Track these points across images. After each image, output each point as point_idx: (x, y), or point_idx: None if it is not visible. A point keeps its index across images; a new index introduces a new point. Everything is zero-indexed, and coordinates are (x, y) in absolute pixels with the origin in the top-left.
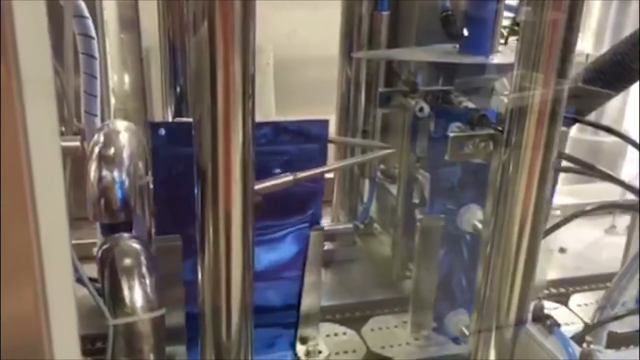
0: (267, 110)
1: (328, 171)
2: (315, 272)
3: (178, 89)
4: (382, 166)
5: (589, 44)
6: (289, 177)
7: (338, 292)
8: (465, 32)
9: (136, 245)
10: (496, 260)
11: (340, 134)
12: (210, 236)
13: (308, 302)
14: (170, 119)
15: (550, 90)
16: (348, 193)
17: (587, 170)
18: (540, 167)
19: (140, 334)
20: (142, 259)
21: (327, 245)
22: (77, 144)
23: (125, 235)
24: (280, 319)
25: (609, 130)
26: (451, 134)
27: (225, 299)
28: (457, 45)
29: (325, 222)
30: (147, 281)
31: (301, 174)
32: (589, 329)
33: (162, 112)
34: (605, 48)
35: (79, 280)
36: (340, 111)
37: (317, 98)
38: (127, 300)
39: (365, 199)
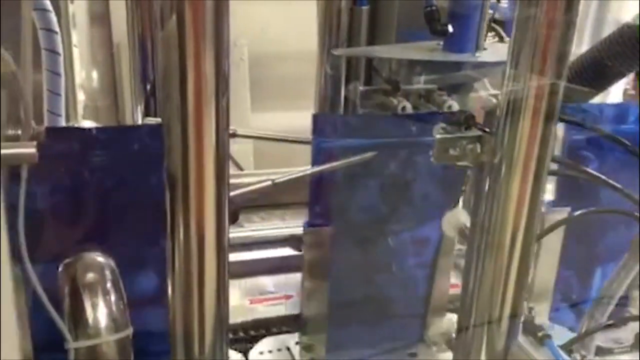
0: (243, 107)
1: (309, 174)
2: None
3: (148, 87)
4: None
5: None
6: (267, 183)
7: None
8: (450, 29)
9: (100, 259)
10: (487, 267)
11: None
12: (181, 248)
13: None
14: (139, 118)
15: (545, 89)
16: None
17: (581, 175)
18: (534, 169)
19: (104, 357)
20: (107, 273)
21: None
22: (33, 150)
23: (89, 247)
24: (409, 310)
25: (599, 132)
26: (437, 136)
27: (198, 317)
28: (441, 43)
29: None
30: (113, 298)
31: (280, 179)
32: (578, 338)
33: (132, 110)
34: (585, 45)
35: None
36: (320, 109)
37: (294, 93)
38: (90, 319)
39: None
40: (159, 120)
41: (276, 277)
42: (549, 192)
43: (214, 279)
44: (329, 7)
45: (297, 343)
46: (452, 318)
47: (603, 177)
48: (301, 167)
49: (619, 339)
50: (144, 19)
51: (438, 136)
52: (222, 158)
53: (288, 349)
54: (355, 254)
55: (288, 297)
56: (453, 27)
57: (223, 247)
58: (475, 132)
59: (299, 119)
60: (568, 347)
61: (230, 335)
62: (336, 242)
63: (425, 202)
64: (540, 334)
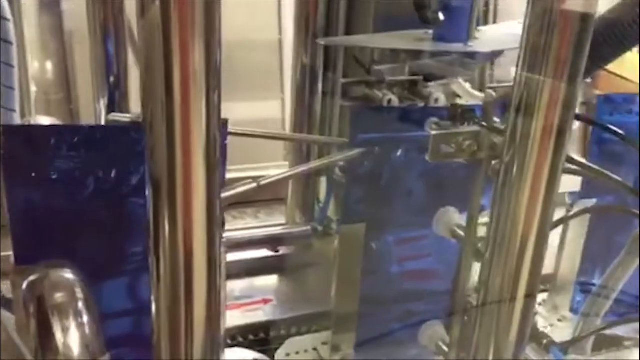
0: None
1: (293, 175)
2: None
3: (111, 79)
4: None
5: None
6: (252, 185)
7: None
8: (442, 17)
9: (69, 275)
10: (495, 272)
11: (297, 127)
12: (168, 262)
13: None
14: (103, 113)
15: (562, 84)
16: (303, 192)
17: (583, 170)
18: (549, 168)
19: None
20: (78, 292)
21: (283, 250)
22: None
23: (57, 262)
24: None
25: (603, 127)
26: (433, 132)
27: (186, 345)
28: (429, 31)
29: (280, 223)
30: (86, 321)
31: (264, 180)
32: (575, 340)
33: (94, 104)
34: None
35: None
36: (296, 102)
37: (256, 84)
38: (61, 346)
39: (322, 198)
40: (127, 116)
41: (252, 281)
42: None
43: (204, 300)
44: None
45: (323, 343)
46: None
47: (610, 174)
48: (267, 161)
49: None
50: (106, 3)
51: (434, 132)
52: (214, 160)
53: (315, 349)
54: (387, 250)
55: (267, 301)
56: (444, 14)
57: (215, 263)
58: (471, 128)
59: (261, 110)
60: (566, 348)
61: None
62: (369, 238)
63: (461, 195)
64: (544, 341)
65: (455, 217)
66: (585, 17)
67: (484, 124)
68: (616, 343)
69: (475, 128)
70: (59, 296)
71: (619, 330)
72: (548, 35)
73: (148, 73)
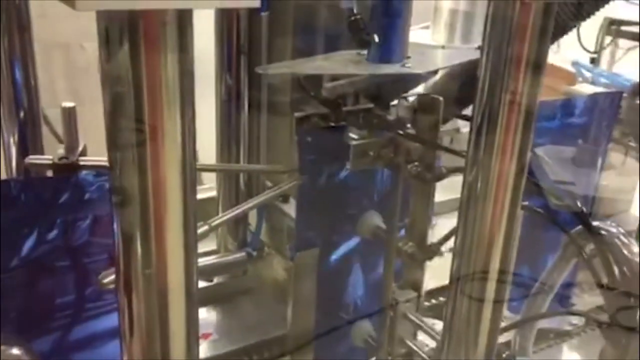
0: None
1: (240, 212)
2: None
3: (21, 114)
4: (269, 183)
5: (442, 36)
6: (204, 227)
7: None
8: (376, 38)
9: (17, 351)
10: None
11: (223, 155)
12: (142, 317)
13: None
14: (13, 153)
15: (522, 99)
16: (234, 217)
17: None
18: (514, 176)
19: None
20: None
21: (217, 279)
22: None
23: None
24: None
25: None
26: (353, 143)
27: None
28: (361, 52)
29: (212, 250)
30: None
31: (215, 220)
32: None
33: (4, 145)
34: (457, 39)
35: None
36: (222, 128)
37: None
38: None
39: (254, 222)
40: (47, 158)
41: None
42: None
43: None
44: (226, 11)
45: None
46: None
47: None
48: None
49: (571, 321)
50: (12, 23)
51: (354, 142)
52: (191, 203)
53: None
54: (340, 271)
55: (206, 335)
56: (378, 35)
57: (194, 309)
58: (388, 135)
59: None
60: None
61: None
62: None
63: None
64: (504, 355)
65: (377, 219)
66: (542, 31)
67: (401, 132)
68: (544, 336)
69: (390, 135)
70: None
71: (548, 323)
72: (506, 51)
73: (114, 120)
